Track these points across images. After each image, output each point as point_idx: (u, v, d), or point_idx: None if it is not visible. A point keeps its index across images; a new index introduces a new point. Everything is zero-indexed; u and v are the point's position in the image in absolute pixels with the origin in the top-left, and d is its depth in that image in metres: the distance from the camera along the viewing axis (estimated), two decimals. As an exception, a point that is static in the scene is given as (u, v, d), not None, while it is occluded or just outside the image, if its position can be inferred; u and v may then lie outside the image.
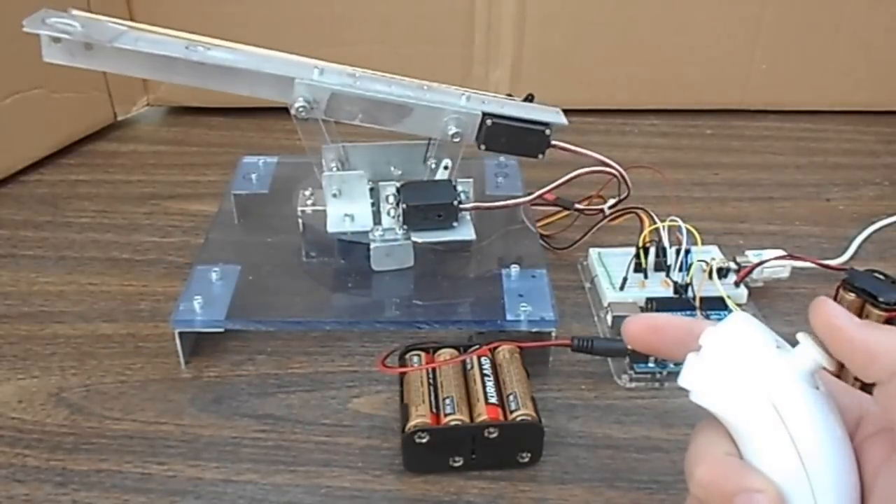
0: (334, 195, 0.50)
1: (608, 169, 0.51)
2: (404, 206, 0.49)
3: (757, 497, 0.26)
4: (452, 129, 0.48)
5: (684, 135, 0.75)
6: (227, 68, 0.47)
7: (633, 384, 0.46)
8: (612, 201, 0.54)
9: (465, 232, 0.50)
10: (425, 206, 0.49)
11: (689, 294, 0.50)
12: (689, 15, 0.74)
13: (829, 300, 0.28)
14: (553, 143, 0.50)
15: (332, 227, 0.50)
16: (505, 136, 0.49)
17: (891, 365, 0.26)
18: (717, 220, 0.62)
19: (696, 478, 0.28)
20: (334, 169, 0.51)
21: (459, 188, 0.51)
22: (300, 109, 0.47)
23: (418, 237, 0.50)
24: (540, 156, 0.50)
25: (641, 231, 0.52)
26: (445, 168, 0.51)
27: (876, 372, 0.26)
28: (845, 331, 0.27)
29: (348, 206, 0.51)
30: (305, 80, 0.47)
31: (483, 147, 0.49)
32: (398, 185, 0.50)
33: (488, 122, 0.48)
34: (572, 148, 0.50)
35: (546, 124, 0.49)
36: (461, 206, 0.50)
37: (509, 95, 0.52)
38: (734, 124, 0.77)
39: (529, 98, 0.51)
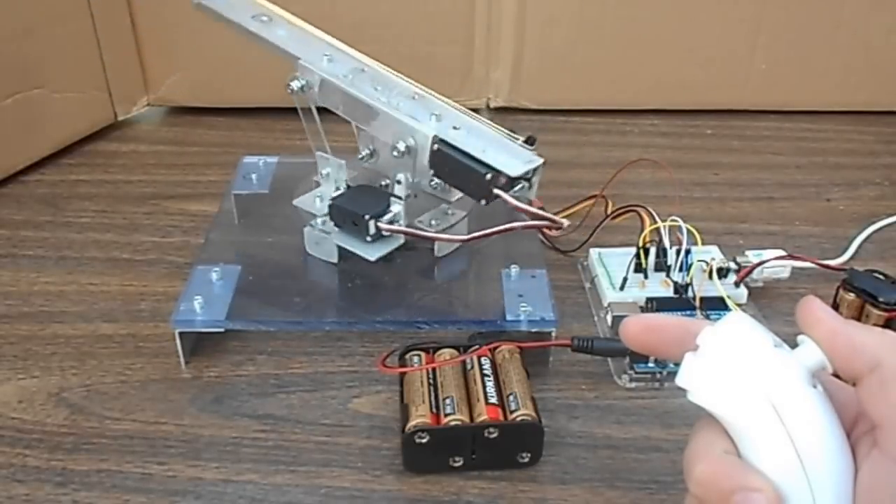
0: (323, 175, 0.51)
1: (553, 225, 0.46)
2: (330, 202, 0.49)
3: (755, 496, 0.26)
4: (402, 144, 0.47)
5: (684, 135, 0.75)
6: (264, 38, 0.51)
7: (633, 384, 0.46)
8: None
9: (371, 250, 0.49)
10: (344, 209, 0.49)
11: (689, 294, 0.50)
12: (689, 15, 0.74)
13: (816, 298, 0.28)
14: (497, 192, 0.44)
15: (297, 201, 0.53)
16: (449, 166, 0.46)
17: (872, 359, 0.26)
18: (717, 220, 0.62)
19: (695, 476, 0.28)
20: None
21: (396, 209, 0.49)
22: (293, 88, 0.50)
23: (336, 238, 0.50)
24: (482, 202, 0.45)
25: (642, 230, 0.52)
26: (398, 182, 0.49)
27: (857, 366, 0.27)
28: (829, 324, 0.27)
29: (326, 190, 0.51)
30: (307, 62, 0.49)
31: (432, 172, 0.47)
32: (348, 182, 0.51)
33: (434, 146, 0.46)
34: (518, 204, 0.45)
35: (491, 169, 0.44)
36: (378, 224, 0.48)
37: (511, 132, 0.47)
38: (734, 124, 0.77)
39: (529, 140, 0.47)
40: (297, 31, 0.52)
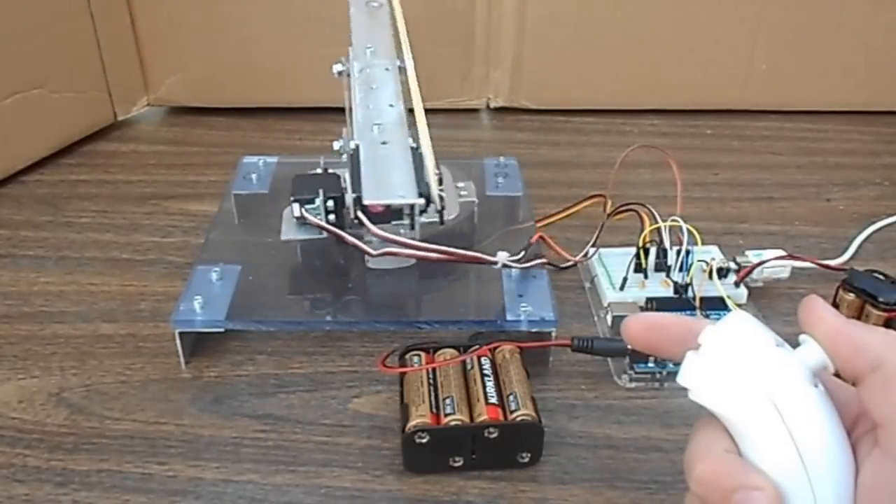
0: None
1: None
2: (294, 176, 0.51)
3: (755, 494, 0.26)
4: (337, 144, 0.50)
5: (684, 135, 0.75)
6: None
7: (633, 384, 0.46)
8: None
9: (289, 231, 0.51)
10: (292, 186, 0.49)
11: (689, 294, 0.49)
12: (689, 15, 0.74)
13: (818, 297, 0.28)
14: (359, 214, 0.44)
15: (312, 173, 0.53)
16: (349, 175, 0.47)
17: (873, 358, 0.26)
18: (717, 220, 0.62)
19: (696, 474, 0.28)
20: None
21: (318, 202, 0.48)
22: (334, 71, 0.53)
23: (286, 210, 0.52)
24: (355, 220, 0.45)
25: (642, 230, 0.52)
26: (343, 179, 0.50)
27: (860, 365, 0.27)
28: (831, 324, 0.27)
29: None
30: (351, 50, 0.53)
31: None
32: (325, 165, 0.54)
33: (350, 153, 0.47)
34: (379, 232, 0.44)
35: (355, 197, 0.44)
36: (302, 210, 0.48)
37: (437, 170, 0.45)
38: (734, 124, 0.77)
39: (439, 175, 0.45)
40: (381, 21, 0.55)
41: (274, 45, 0.75)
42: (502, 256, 0.48)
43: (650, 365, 0.46)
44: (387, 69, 0.52)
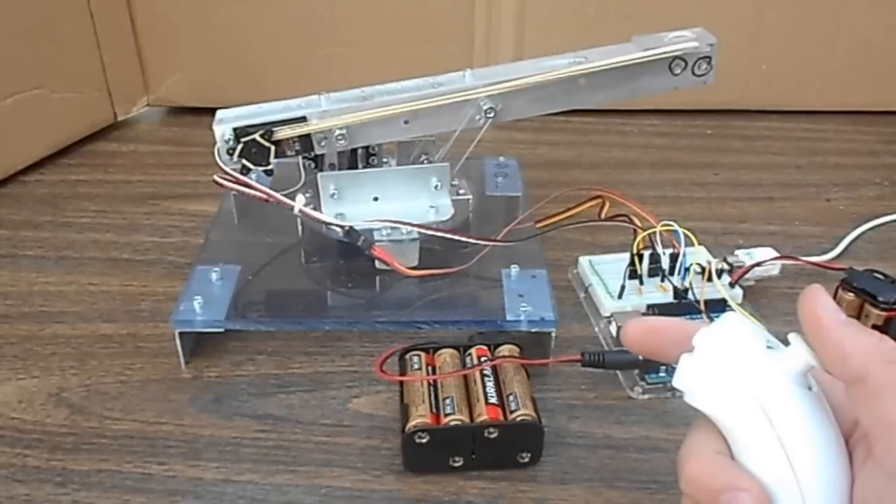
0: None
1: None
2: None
3: (742, 496, 0.26)
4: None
5: (684, 135, 0.75)
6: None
7: (647, 395, 0.45)
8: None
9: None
10: None
11: (690, 297, 0.49)
12: (689, 15, 0.74)
13: (822, 290, 0.27)
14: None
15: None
16: None
17: (857, 368, 0.26)
18: (716, 220, 0.62)
19: (686, 474, 0.28)
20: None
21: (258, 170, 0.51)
22: None
23: None
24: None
25: (635, 237, 0.51)
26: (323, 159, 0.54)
27: (845, 372, 0.26)
28: (823, 325, 0.27)
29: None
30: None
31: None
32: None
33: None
34: (306, 211, 0.49)
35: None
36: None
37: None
38: (734, 124, 0.77)
39: (268, 172, 0.52)
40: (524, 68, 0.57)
41: (274, 45, 0.75)
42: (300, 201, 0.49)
43: (661, 375, 0.45)
44: (434, 85, 0.53)
